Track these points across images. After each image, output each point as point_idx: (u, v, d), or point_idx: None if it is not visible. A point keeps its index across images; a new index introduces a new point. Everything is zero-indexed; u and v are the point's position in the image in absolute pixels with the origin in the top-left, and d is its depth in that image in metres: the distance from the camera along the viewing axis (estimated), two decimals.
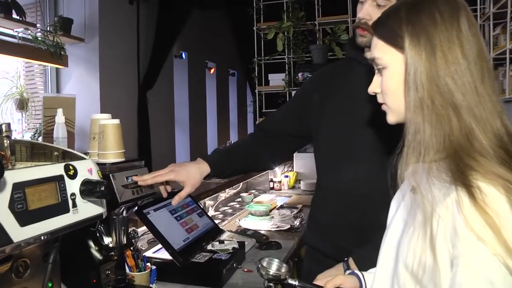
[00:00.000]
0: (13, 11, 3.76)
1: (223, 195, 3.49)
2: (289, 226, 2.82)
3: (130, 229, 1.49)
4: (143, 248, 2.00)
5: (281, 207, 3.38)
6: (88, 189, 0.96)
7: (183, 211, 1.94)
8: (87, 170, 1.01)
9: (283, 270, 1.11)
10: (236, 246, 1.99)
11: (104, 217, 1.05)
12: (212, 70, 8.07)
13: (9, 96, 3.80)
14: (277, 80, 5.07)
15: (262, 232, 2.60)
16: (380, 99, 0.94)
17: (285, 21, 4.65)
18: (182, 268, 1.67)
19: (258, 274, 1.11)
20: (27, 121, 3.90)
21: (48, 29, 4.19)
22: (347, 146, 1.49)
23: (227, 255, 1.84)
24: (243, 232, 2.50)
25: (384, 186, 0.99)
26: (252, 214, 3.09)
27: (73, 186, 0.96)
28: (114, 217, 1.38)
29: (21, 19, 3.89)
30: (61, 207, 0.92)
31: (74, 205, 0.94)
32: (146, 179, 1.42)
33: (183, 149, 6.87)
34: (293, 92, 4.51)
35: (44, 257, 1.05)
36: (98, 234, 1.38)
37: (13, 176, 0.84)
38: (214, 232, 2.04)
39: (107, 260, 1.40)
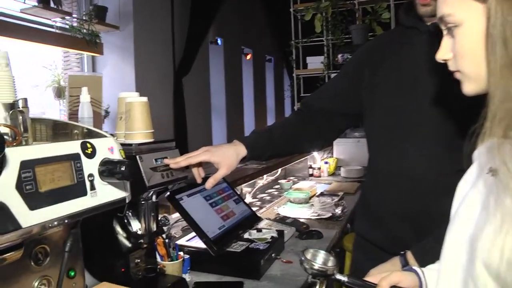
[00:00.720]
0: (50, 1, 3.77)
1: (260, 182, 3.38)
2: (330, 214, 2.68)
3: (161, 216, 1.39)
4: (177, 236, 1.91)
5: (321, 194, 3.25)
6: (108, 170, 0.86)
7: (219, 197, 1.84)
8: (107, 148, 0.90)
9: (330, 263, 0.96)
10: (275, 235, 1.87)
11: (127, 201, 0.94)
12: (248, 56, 7.95)
13: (48, 84, 3.83)
14: (315, 63, 4.90)
15: (302, 220, 2.47)
16: (452, 66, 0.78)
17: (323, 1, 4.45)
18: (217, 258, 1.56)
19: (301, 267, 0.97)
20: (66, 109, 3.93)
21: (83, 17, 4.19)
22: (408, 125, 1.31)
23: (265, 245, 1.72)
24: (282, 220, 2.38)
25: (450, 170, 0.83)
26: (291, 202, 2.98)
27: (91, 166, 0.86)
28: (143, 202, 1.28)
29: (58, 8, 3.90)
30: (77, 189, 0.81)
31: (93, 188, 0.84)
32: (179, 161, 1.30)
33: (220, 136, 6.80)
34: (333, 75, 4.32)
35: (64, 244, 0.96)
36: (126, 220, 1.28)
37: (21, 153, 0.74)
38: (252, 220, 1.92)
39: (136, 248, 1.31)
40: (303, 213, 2.70)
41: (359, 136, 4.32)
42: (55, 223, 0.76)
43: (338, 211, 2.75)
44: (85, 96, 1.32)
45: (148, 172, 1.20)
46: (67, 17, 4.02)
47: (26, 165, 0.74)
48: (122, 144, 1.21)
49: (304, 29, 4.92)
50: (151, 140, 1.29)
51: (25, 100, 0.93)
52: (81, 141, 0.85)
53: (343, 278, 0.97)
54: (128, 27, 4.65)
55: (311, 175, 4.11)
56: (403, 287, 0.93)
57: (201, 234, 1.55)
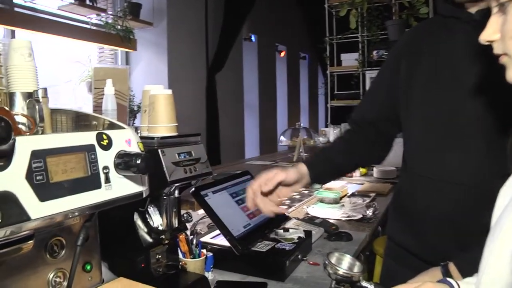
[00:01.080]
0: None
1: None
2: (361, 216, 2.59)
3: (184, 212, 1.36)
4: (202, 232, 1.88)
5: (353, 195, 3.16)
6: (124, 162, 0.82)
7: (245, 194, 1.79)
8: (124, 141, 0.87)
9: (355, 269, 0.89)
10: (302, 235, 1.81)
11: (144, 196, 0.91)
12: (282, 53, 7.89)
13: (82, 79, 3.90)
14: (349, 60, 4.81)
15: (331, 221, 2.39)
16: (498, 49, 0.70)
17: None
18: (241, 257, 1.52)
19: (324, 271, 0.90)
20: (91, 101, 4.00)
21: (118, 14, 4.25)
22: (450, 124, 1.20)
23: (292, 245, 1.67)
24: (310, 220, 2.31)
25: (497, 174, 0.75)
26: (321, 201, 2.91)
27: (106, 158, 0.83)
28: (164, 197, 1.25)
29: (93, 5, 3.98)
30: (91, 182, 0.78)
31: (107, 180, 0.81)
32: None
33: (252, 134, 6.78)
34: (367, 73, 4.22)
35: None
36: (147, 215, 1.26)
37: (33, 142, 0.71)
38: (279, 219, 1.87)
39: (157, 243, 1.28)
40: (333, 214, 2.63)
41: None
42: (67, 215, 0.74)
43: (369, 212, 2.66)
44: (109, 88, 1.29)
45: (170, 167, 1.17)
46: (102, 14, 4.09)
47: (37, 155, 0.71)
48: (145, 138, 1.19)
49: (339, 25, 4.83)
50: (175, 134, 1.26)
51: (45, 90, 0.91)
52: (96, 132, 0.82)
53: (369, 286, 0.91)
54: (162, 23, 4.68)
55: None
56: None
57: (226, 232, 1.51)
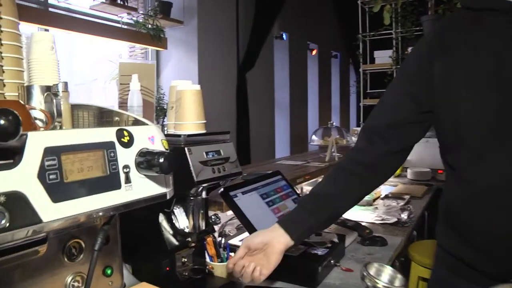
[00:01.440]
0: None
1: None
2: (396, 219, 2.48)
3: (212, 213, 1.29)
4: (231, 234, 1.82)
5: (386, 197, 3.04)
6: (146, 161, 0.76)
7: (276, 195, 1.72)
8: (147, 138, 0.81)
9: (397, 283, 0.81)
10: (335, 239, 1.72)
11: (168, 198, 0.84)
12: (314, 52, 7.77)
13: (113, 77, 3.91)
14: (383, 57, 4.65)
15: (364, 224, 2.29)
16: None
17: None
18: None
19: (362, 283, 0.82)
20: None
21: (148, 13, 4.26)
22: (505, 127, 1.05)
23: (324, 250, 1.58)
24: (343, 223, 2.22)
25: None
26: None
27: (127, 157, 0.77)
28: (191, 198, 1.19)
29: (124, 4, 4.00)
30: (110, 182, 0.73)
31: (128, 181, 0.75)
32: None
33: (282, 133, 6.70)
34: None
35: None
36: (173, 217, 1.20)
37: (46, 138, 0.66)
38: None
39: (184, 246, 1.22)
40: (366, 217, 2.53)
41: (428, 135, 4.03)
42: (83, 218, 0.68)
43: (404, 216, 2.55)
44: (135, 84, 1.24)
45: (197, 166, 1.11)
46: (133, 13, 4.12)
47: (51, 152, 0.65)
48: (171, 135, 1.13)
49: (372, 21, 4.69)
50: (203, 131, 1.20)
51: (65, 84, 0.86)
52: (117, 128, 0.76)
53: None
54: (192, 21, 4.65)
55: None
56: None
57: None
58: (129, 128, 0.78)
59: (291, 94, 6.83)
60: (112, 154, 0.73)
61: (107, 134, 0.74)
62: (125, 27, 4.19)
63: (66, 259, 0.84)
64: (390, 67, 4.52)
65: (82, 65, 3.95)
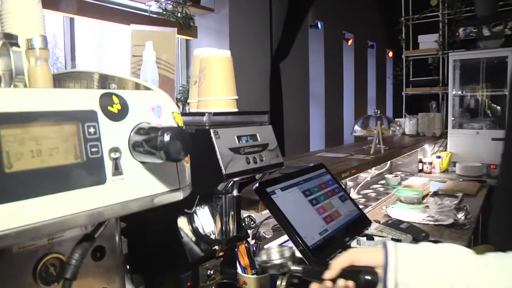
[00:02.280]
0: None
1: (364, 176, 2.92)
2: (452, 220, 2.17)
3: (245, 215, 1.03)
4: (267, 237, 1.55)
5: (435, 194, 2.72)
6: (147, 141, 0.49)
7: (321, 192, 1.44)
8: (150, 108, 0.54)
9: (286, 255, 0.84)
10: None
11: (181, 198, 0.57)
12: (349, 42, 7.42)
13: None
14: (428, 42, 4.29)
15: (418, 225, 2.00)
16: None
17: None
18: None
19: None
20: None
21: (178, 0, 4.08)
22: None
23: None
24: (395, 225, 1.92)
25: None
26: (401, 201, 2.51)
27: (116, 135, 0.50)
28: (219, 196, 0.93)
29: None
30: (88, 173, 0.46)
31: (117, 171, 0.48)
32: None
33: (317, 125, 6.40)
34: (451, 55, 3.69)
35: (94, 253, 0.64)
36: (195, 220, 0.94)
37: None
38: (360, 223, 1.51)
39: (209, 257, 0.96)
40: (416, 216, 2.23)
41: (478, 127, 3.67)
42: (37, 232, 0.42)
43: (461, 216, 2.23)
44: (148, 53, 0.98)
45: (227, 155, 0.84)
46: (162, 1, 3.95)
47: None
48: (191, 114, 0.87)
49: (416, 4, 4.33)
50: (234, 109, 0.93)
51: (44, 39, 0.61)
52: (102, 92, 0.50)
53: (298, 268, 0.85)
54: (224, 9, 4.44)
55: (421, 170, 3.56)
56: (361, 265, 0.81)
57: (297, 241, 1.17)
58: (121, 92, 0.51)
59: (326, 85, 6.53)
60: (92, 130, 0.47)
61: (85, 99, 0.48)
62: (154, 15, 4.01)
63: (40, 284, 0.59)
64: (436, 52, 4.16)
65: (113, 55, 3.79)
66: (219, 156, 0.82)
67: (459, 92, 3.82)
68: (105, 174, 0.47)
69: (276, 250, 0.88)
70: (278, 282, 0.90)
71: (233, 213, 0.93)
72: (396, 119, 3.98)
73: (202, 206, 0.95)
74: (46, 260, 0.59)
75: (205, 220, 0.95)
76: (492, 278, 0.72)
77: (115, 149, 0.49)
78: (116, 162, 0.48)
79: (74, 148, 0.45)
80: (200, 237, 0.94)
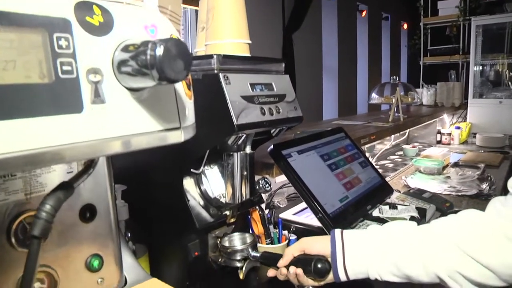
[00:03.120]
0: None
1: (380, 147, 2.79)
2: (476, 191, 2.04)
3: (258, 177, 0.91)
4: (281, 206, 1.44)
5: (456, 165, 2.58)
6: (134, 58, 0.36)
7: (340, 157, 1.33)
8: (142, 26, 0.42)
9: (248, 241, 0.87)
10: (415, 214, 1.32)
11: (182, 139, 0.45)
12: (363, 13, 7.22)
13: None
14: (447, 9, 4.08)
15: (442, 195, 1.88)
16: None
17: None
18: None
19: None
20: None
21: None
22: None
23: None
24: (417, 194, 1.80)
25: None
26: (420, 172, 2.39)
27: (96, 51, 0.38)
28: (230, 153, 0.81)
29: None
30: (58, 98, 0.34)
31: (98, 98, 0.36)
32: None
33: (330, 99, 6.26)
34: (473, 21, 3.49)
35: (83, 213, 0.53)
36: (203, 181, 0.83)
37: None
38: (382, 191, 1.40)
39: (219, 224, 0.86)
40: (437, 187, 2.11)
41: (499, 96, 3.50)
42: None
43: (486, 187, 2.10)
44: None
45: (239, 103, 0.72)
46: None
47: None
48: (199, 58, 0.75)
49: None
50: (247, 54, 0.81)
51: None
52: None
53: (257, 255, 0.85)
54: None
55: (439, 142, 3.40)
56: (312, 253, 0.81)
57: (316, 208, 1.07)
58: (105, 3, 0.39)
59: (339, 58, 6.36)
60: (63, 44, 0.35)
61: (56, 4, 0.36)
62: None
63: (15, 246, 0.49)
64: (457, 19, 3.96)
65: None
66: (229, 104, 0.70)
67: (481, 60, 3.63)
68: (82, 101, 0.36)
69: (239, 237, 0.90)
70: (239, 265, 0.85)
71: (245, 173, 0.82)
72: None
73: (211, 166, 0.84)
74: (23, 218, 0.49)
75: (214, 182, 0.84)
76: (437, 238, 0.74)
77: (95, 71, 0.37)
78: (96, 87, 0.37)
79: (38, 64, 0.33)
80: (209, 201, 0.83)
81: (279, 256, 0.83)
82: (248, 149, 0.82)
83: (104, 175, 0.58)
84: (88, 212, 0.56)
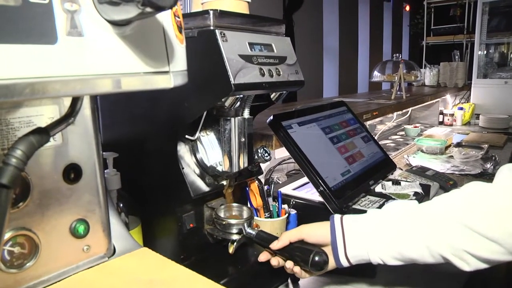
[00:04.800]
0: None
1: (380, 127, 2.75)
2: (480, 170, 2.00)
3: (257, 146, 0.87)
4: (280, 182, 1.40)
5: (459, 145, 2.53)
6: None
7: (342, 131, 1.28)
8: None
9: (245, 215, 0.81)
10: (419, 190, 1.27)
11: (172, 85, 0.40)
12: None
13: None
14: None
15: (446, 173, 1.84)
16: None
17: None
18: None
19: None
20: None
21: None
22: None
23: None
24: (420, 171, 1.76)
25: None
26: (422, 151, 2.34)
27: None
28: (227, 118, 0.77)
29: None
30: (27, 24, 0.29)
31: (75, 30, 0.32)
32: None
33: (331, 81, 6.17)
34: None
35: (67, 173, 0.49)
36: (199, 148, 0.78)
37: None
38: (385, 166, 1.35)
39: (216, 195, 0.81)
40: (440, 166, 2.06)
41: (506, 76, 3.43)
42: None
43: (490, 166, 2.05)
44: None
45: (236, 61, 0.67)
46: None
47: None
48: (194, 14, 0.70)
49: None
50: (245, 12, 0.76)
51: None
52: None
53: (252, 232, 0.79)
54: None
55: (441, 123, 3.34)
56: (311, 241, 0.77)
57: (317, 181, 1.02)
58: None
59: (340, 39, 6.25)
60: None
61: None
62: None
63: None
64: None
65: None
66: (226, 61, 0.65)
67: (486, 40, 3.54)
68: (56, 31, 0.31)
69: (235, 209, 0.84)
70: (235, 238, 0.80)
71: (243, 139, 0.77)
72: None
73: (207, 133, 0.80)
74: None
75: (210, 149, 0.79)
76: (439, 217, 0.71)
77: None
78: (73, 17, 0.32)
79: None
80: (205, 170, 0.78)
81: (275, 238, 0.78)
82: (246, 114, 0.77)
83: (90, 132, 0.53)
84: (72, 173, 0.52)
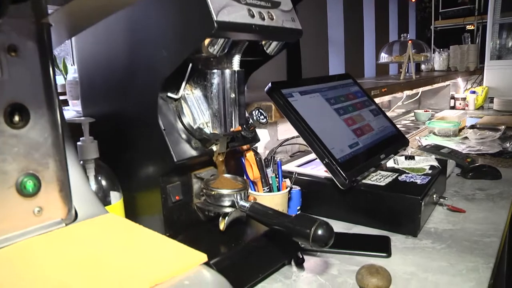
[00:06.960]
0: None
1: (390, 115, 2.63)
2: (499, 149, 1.87)
3: (252, 108, 0.76)
4: (283, 160, 1.30)
5: (473, 127, 2.41)
6: None
7: (348, 103, 1.18)
8: None
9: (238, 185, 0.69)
10: (435, 164, 1.16)
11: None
12: None
13: None
14: None
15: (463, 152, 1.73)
16: None
17: None
18: (346, 193, 0.94)
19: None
20: None
21: None
22: None
23: (424, 178, 1.04)
24: (434, 150, 1.65)
25: None
26: (434, 134, 2.23)
27: None
28: (214, 71, 0.67)
29: None
30: None
31: None
32: None
33: (336, 72, 6.05)
34: None
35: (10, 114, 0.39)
36: (183, 108, 0.68)
37: None
38: (396, 141, 1.24)
39: (204, 160, 0.72)
40: (454, 147, 1.94)
41: None
42: None
43: (509, 145, 1.93)
44: None
45: None
46: None
47: None
48: None
49: None
50: None
51: None
52: None
53: (246, 204, 0.68)
54: None
55: (453, 107, 3.21)
56: None
57: (323, 152, 0.92)
58: None
59: (345, 30, 6.13)
60: None
61: None
62: None
63: None
64: None
65: None
66: None
67: (500, 19, 3.38)
68: None
69: (228, 179, 0.73)
70: (226, 210, 0.70)
71: (234, 95, 0.67)
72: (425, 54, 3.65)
73: (193, 91, 0.70)
74: None
75: (197, 109, 0.69)
76: None
77: None
78: None
79: None
80: (191, 133, 0.68)
81: (272, 211, 0.67)
82: (236, 66, 0.67)
83: (37, 61, 0.43)
84: (16, 114, 0.42)
